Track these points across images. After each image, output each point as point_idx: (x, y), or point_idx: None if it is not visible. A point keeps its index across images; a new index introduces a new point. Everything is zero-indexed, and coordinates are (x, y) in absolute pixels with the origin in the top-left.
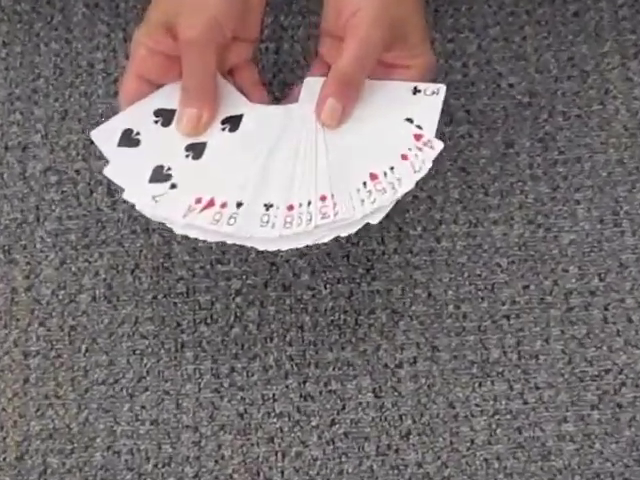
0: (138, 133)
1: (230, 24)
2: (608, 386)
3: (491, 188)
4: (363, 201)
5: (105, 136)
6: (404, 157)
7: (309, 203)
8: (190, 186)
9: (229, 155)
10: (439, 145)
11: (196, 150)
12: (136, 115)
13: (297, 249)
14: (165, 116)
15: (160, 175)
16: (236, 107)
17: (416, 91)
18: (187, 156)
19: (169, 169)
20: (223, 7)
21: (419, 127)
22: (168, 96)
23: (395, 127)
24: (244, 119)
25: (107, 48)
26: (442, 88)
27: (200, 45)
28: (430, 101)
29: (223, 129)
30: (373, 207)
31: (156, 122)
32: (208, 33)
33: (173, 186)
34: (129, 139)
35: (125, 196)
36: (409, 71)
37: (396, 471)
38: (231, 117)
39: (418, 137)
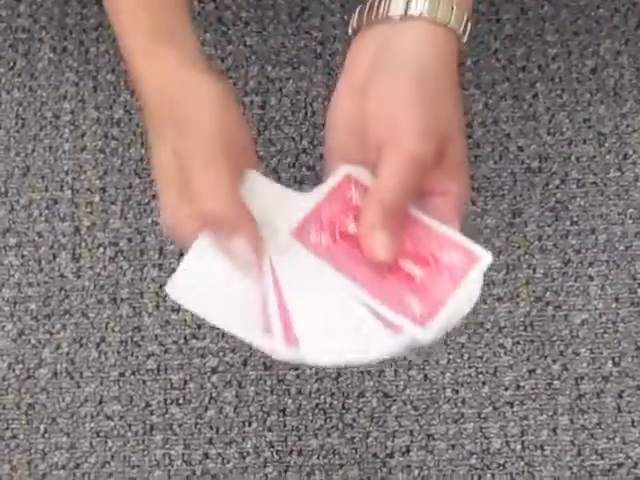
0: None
1: (237, 133)
2: None
3: (496, 261)
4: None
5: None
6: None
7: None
8: None
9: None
10: None
11: None
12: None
13: None
14: None
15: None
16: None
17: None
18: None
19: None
20: (226, 117)
21: None
22: None
23: None
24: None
25: (75, 98)
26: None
27: (205, 160)
28: None
29: None
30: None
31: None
32: (216, 144)
33: None
34: None
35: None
36: (447, 198)
37: None
38: None
39: None
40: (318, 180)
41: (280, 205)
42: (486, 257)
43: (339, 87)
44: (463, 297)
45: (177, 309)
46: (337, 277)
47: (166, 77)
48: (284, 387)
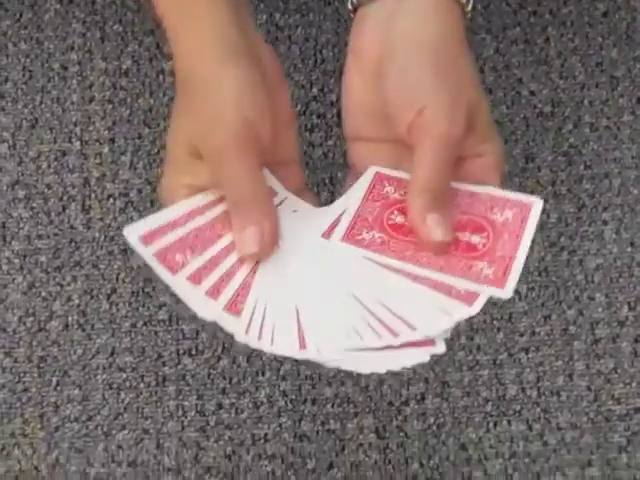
0: None
1: (261, 127)
2: (638, 426)
3: None
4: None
5: None
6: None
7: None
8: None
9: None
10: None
11: None
12: None
13: None
14: None
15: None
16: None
17: None
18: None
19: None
20: (248, 109)
21: None
22: None
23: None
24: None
25: (82, 49)
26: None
27: (235, 149)
28: None
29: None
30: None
31: None
32: (240, 135)
33: None
34: None
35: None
36: (485, 159)
37: None
38: None
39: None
40: (329, 128)
41: (305, 217)
42: (537, 202)
43: (349, 68)
44: (527, 244)
45: None
46: (401, 265)
47: (195, 61)
48: None
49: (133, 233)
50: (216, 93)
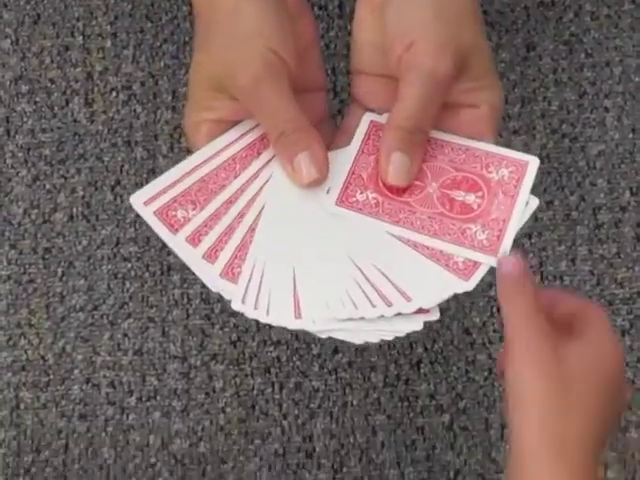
0: None
1: (287, 54)
2: None
3: (511, 95)
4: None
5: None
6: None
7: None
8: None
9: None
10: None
11: None
12: None
13: None
14: None
15: None
16: None
17: None
18: None
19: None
20: (271, 37)
21: None
22: None
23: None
24: None
25: None
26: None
27: (267, 79)
28: None
29: None
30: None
31: None
32: (269, 64)
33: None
34: None
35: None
36: (478, 110)
37: (406, 403)
38: None
39: None
40: (330, 20)
41: None
42: (534, 161)
43: (359, 7)
44: (522, 206)
45: (191, 151)
46: (394, 229)
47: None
48: None
49: (138, 199)
50: (240, 25)
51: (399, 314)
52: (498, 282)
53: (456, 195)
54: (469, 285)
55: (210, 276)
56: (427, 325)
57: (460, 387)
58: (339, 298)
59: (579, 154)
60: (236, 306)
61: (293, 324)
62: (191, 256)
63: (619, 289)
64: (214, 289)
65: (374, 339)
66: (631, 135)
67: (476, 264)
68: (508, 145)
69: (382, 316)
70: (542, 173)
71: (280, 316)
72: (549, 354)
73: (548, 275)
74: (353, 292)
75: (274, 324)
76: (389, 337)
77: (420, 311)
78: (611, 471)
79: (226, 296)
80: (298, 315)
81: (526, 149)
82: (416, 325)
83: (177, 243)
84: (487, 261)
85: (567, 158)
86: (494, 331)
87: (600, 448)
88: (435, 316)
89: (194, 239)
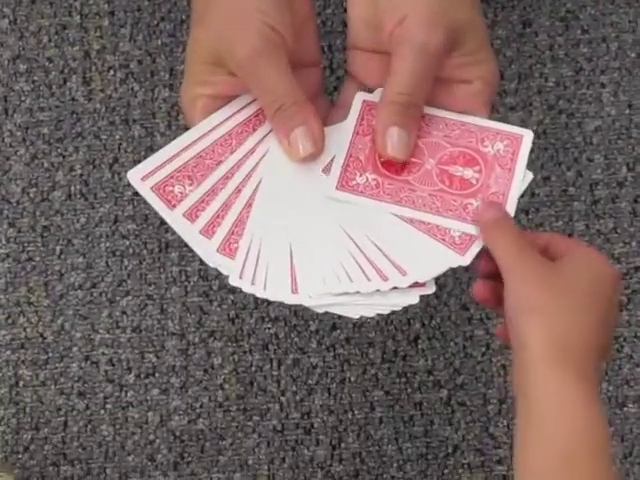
0: None
1: (284, 29)
2: (638, 285)
3: (507, 71)
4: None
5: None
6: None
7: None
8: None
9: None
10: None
11: None
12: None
13: None
14: None
15: None
16: None
17: None
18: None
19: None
20: (269, 12)
21: None
22: None
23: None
24: None
25: None
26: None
27: (265, 54)
28: None
29: None
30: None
31: None
32: (267, 39)
33: None
34: None
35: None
36: (472, 86)
37: (403, 379)
38: None
39: None
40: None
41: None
42: (528, 134)
43: None
44: (519, 179)
45: (187, 129)
46: (397, 209)
47: None
48: None
49: (135, 175)
50: (238, 0)
51: (395, 288)
52: (482, 229)
53: (454, 170)
54: (465, 260)
55: (207, 251)
56: (424, 301)
57: (458, 363)
58: (335, 273)
59: (576, 130)
60: (233, 281)
61: (290, 299)
62: (188, 231)
63: (616, 264)
64: (211, 264)
65: (370, 313)
66: (627, 111)
67: (472, 238)
68: (505, 121)
69: (378, 290)
70: (539, 149)
71: (277, 291)
72: (548, 269)
73: None
74: (349, 266)
75: (271, 299)
76: (385, 311)
77: (416, 285)
78: (610, 446)
79: (223, 271)
80: (295, 290)
81: (523, 125)
82: (412, 299)
83: (174, 218)
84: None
85: (564, 134)
86: None
87: (601, 359)
88: (431, 290)
89: (191, 214)
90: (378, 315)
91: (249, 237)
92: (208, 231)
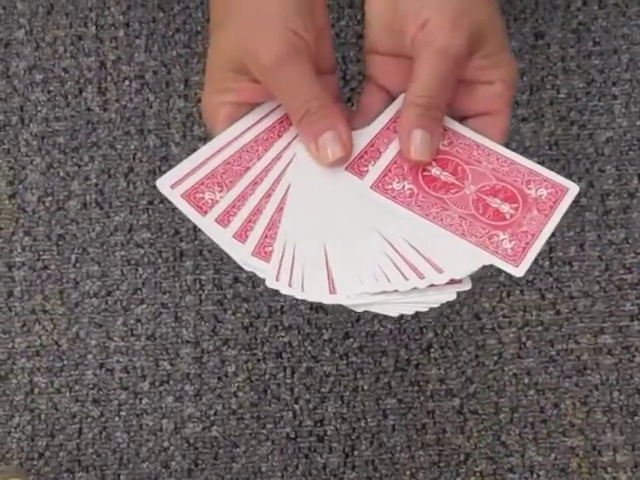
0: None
1: (306, 34)
2: None
3: (520, 83)
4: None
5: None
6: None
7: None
8: None
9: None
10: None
11: None
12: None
13: None
14: None
15: None
16: None
17: None
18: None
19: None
20: (291, 17)
21: None
22: None
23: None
24: None
25: None
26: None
27: (289, 59)
28: None
29: None
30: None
31: None
32: (291, 45)
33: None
34: None
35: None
36: (493, 87)
37: (416, 387)
38: None
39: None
40: (341, 9)
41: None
42: (574, 188)
43: None
44: (552, 227)
45: (204, 138)
46: (421, 221)
47: None
48: None
49: (164, 183)
50: (259, 5)
51: (432, 285)
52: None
53: (492, 201)
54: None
55: (242, 255)
56: (437, 310)
57: (470, 371)
58: (372, 272)
59: (587, 141)
60: (270, 283)
61: (328, 299)
62: (222, 236)
63: (627, 274)
64: (247, 268)
65: (409, 311)
66: (639, 122)
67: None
68: (517, 132)
69: (415, 288)
70: (550, 160)
71: (315, 292)
72: None
73: (557, 261)
74: (385, 266)
75: (309, 300)
76: (424, 308)
77: (452, 282)
78: (620, 455)
79: (259, 274)
80: (333, 290)
81: (535, 136)
82: (449, 295)
83: (207, 224)
84: (507, 269)
85: (575, 145)
86: (504, 316)
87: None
88: (467, 286)
89: (223, 220)
90: (415, 313)
91: (283, 240)
92: (241, 235)
